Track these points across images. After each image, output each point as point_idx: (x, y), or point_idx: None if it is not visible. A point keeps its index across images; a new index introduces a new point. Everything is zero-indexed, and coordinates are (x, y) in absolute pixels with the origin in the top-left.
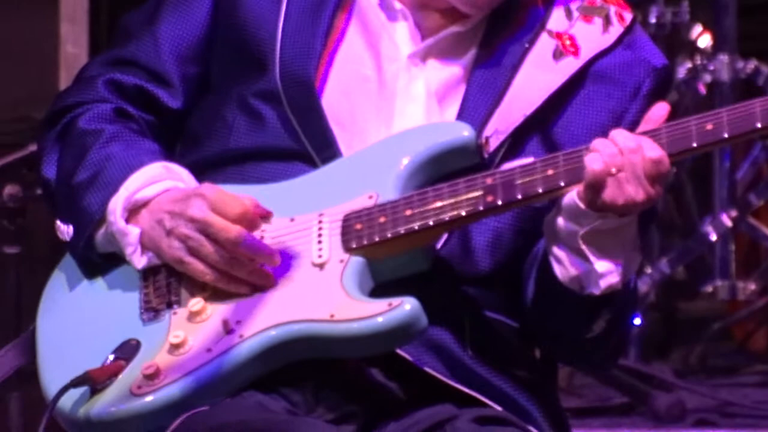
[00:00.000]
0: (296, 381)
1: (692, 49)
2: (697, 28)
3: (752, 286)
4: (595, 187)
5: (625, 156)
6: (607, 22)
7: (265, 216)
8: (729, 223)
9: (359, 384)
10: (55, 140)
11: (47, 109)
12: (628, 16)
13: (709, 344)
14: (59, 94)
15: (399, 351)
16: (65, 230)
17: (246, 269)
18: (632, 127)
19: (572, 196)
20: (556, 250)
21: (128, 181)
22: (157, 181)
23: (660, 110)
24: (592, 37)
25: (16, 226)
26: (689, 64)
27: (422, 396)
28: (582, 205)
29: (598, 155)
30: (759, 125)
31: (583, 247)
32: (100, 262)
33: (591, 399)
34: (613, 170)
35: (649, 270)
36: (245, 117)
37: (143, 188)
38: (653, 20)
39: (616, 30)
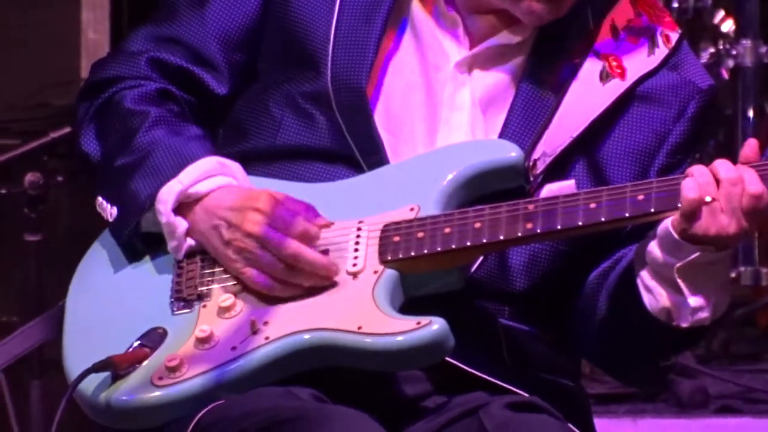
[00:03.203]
0: (325, 370)
1: (715, 34)
2: (720, 13)
3: None
4: (688, 215)
5: (724, 187)
6: (653, 43)
7: (326, 226)
8: None
9: (387, 374)
10: (94, 114)
11: (87, 79)
12: (674, 36)
13: (733, 330)
14: (97, 64)
15: None
16: (108, 209)
17: (305, 277)
18: (675, 149)
19: (666, 224)
20: (648, 280)
21: (183, 173)
22: (211, 176)
23: (751, 149)
24: (638, 59)
25: (38, 213)
26: (712, 49)
27: (452, 386)
28: (675, 235)
29: (694, 182)
30: None
31: (678, 280)
32: (141, 247)
33: (614, 385)
34: (708, 198)
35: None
36: (294, 115)
37: (197, 182)
38: (676, 5)
39: (662, 51)
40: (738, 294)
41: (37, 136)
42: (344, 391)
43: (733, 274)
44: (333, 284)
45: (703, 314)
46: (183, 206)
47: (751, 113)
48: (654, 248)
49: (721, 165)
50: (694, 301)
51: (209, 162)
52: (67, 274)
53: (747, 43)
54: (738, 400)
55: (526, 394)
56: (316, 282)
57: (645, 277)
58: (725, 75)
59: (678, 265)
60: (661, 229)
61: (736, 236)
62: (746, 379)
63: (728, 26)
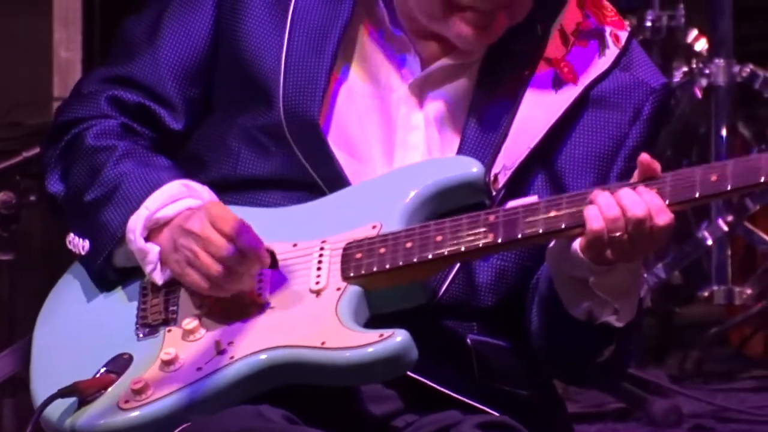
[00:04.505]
0: (294, 388)
1: (688, 53)
2: (693, 32)
3: (749, 291)
4: (595, 246)
5: (631, 224)
6: (603, 44)
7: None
8: (725, 227)
9: (358, 393)
10: (58, 157)
11: (50, 125)
12: (624, 35)
13: (706, 349)
14: (59, 109)
15: None
16: (79, 244)
17: (237, 284)
18: (633, 152)
19: (576, 247)
20: (566, 289)
21: (149, 199)
22: (177, 200)
23: (648, 163)
24: (589, 63)
25: (10, 232)
26: (685, 68)
27: (423, 404)
28: (585, 258)
29: (599, 214)
30: (763, 179)
31: (596, 291)
32: (115, 279)
33: (587, 404)
34: (617, 234)
35: (645, 275)
36: (251, 147)
37: (163, 207)
38: (649, 24)
39: (612, 52)
40: (711, 313)
41: (9, 156)
42: (316, 411)
43: (706, 293)
44: (297, 303)
45: (629, 312)
46: (153, 232)
47: (724, 132)
48: (566, 265)
49: (627, 197)
50: (614, 303)
51: (174, 186)
52: (40, 293)
53: (720, 62)
54: (711, 420)
55: (497, 414)
56: (247, 289)
57: (563, 285)
58: (698, 94)
59: (591, 280)
60: (572, 249)
61: (647, 254)
62: (720, 399)
63: (701, 45)
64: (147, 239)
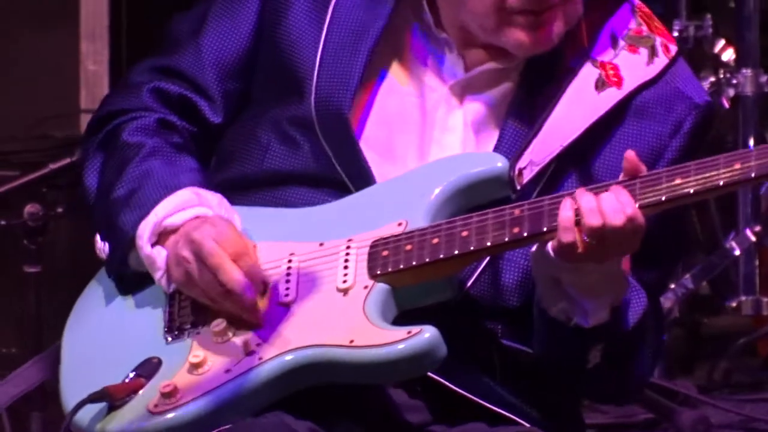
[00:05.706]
0: (320, 400)
1: (715, 63)
2: (720, 42)
3: None
4: (566, 252)
5: (607, 230)
6: (653, 53)
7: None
8: (753, 238)
9: (384, 403)
10: (97, 147)
11: (93, 115)
12: (674, 48)
13: (734, 360)
14: (104, 99)
15: (429, 373)
16: (102, 248)
17: (229, 302)
18: (671, 165)
19: (549, 248)
20: (541, 285)
21: (159, 206)
22: (186, 208)
23: (630, 163)
24: (636, 69)
25: (37, 245)
26: (712, 78)
27: (450, 416)
28: (557, 259)
29: (572, 225)
30: (721, 183)
31: (567, 289)
32: (135, 280)
33: (615, 415)
34: (588, 240)
35: (672, 286)
36: (280, 141)
37: (172, 215)
38: (676, 34)
39: (661, 62)
40: (739, 323)
41: (37, 168)
42: (342, 422)
43: (734, 304)
44: (324, 302)
45: (601, 313)
46: (162, 238)
47: (751, 142)
48: (540, 263)
49: (607, 200)
50: (587, 304)
51: (186, 194)
52: (67, 305)
53: (747, 72)
54: (740, 430)
55: (524, 423)
56: (237, 306)
57: (539, 281)
58: (726, 104)
59: (564, 279)
60: (547, 249)
61: (617, 257)
62: (748, 409)
63: (729, 55)
64: (155, 245)
